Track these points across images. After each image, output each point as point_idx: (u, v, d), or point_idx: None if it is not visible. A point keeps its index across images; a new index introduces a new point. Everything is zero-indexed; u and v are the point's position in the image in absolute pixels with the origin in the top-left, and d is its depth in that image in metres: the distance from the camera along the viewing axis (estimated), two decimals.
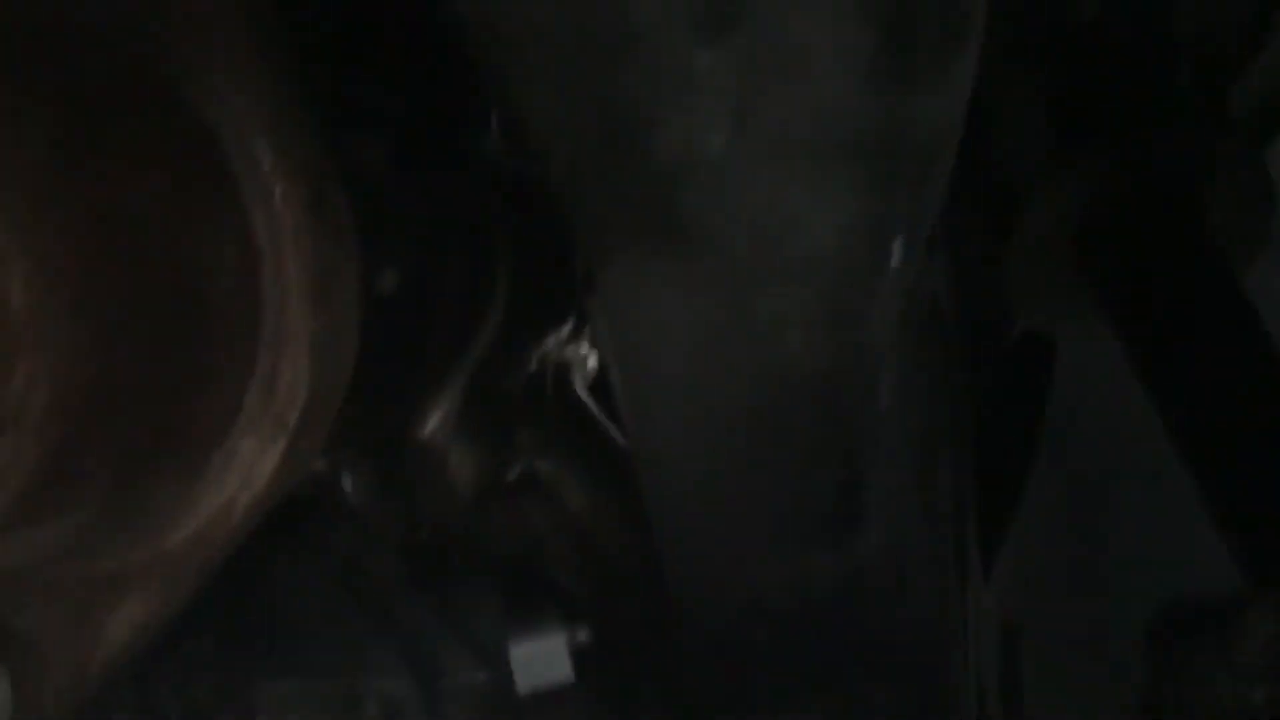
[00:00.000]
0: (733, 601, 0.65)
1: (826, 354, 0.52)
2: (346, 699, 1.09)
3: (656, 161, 0.43)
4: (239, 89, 0.46)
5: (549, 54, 0.38)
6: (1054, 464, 0.91)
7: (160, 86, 0.45)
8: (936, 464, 0.65)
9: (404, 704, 1.10)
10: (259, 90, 0.46)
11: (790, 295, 0.49)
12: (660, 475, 0.61)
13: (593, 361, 1.07)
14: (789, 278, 0.48)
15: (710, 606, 0.67)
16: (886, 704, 0.67)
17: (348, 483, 0.77)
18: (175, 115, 0.45)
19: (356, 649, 1.07)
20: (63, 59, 0.42)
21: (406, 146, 0.69)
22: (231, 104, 0.46)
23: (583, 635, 1.09)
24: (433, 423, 0.77)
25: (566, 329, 0.91)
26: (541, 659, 1.05)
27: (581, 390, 0.99)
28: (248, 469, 0.47)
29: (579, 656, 1.06)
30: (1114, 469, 1.14)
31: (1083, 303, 0.70)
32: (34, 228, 0.34)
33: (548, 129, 0.42)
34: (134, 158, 0.41)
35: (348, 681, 1.08)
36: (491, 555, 1.08)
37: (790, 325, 0.50)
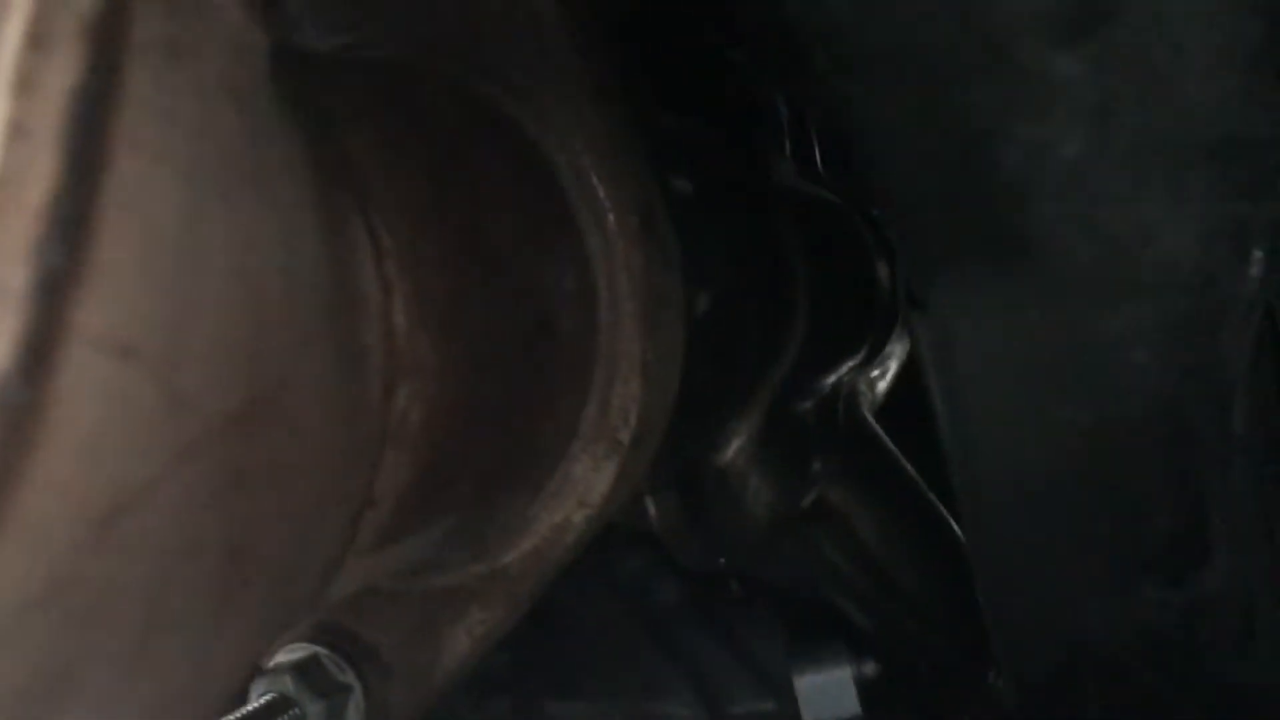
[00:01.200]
0: (1060, 644, 0.61)
1: (1175, 373, 0.49)
2: None
3: (1002, 176, 0.41)
4: (575, 125, 0.47)
5: (898, 71, 0.37)
6: None
7: (506, 126, 0.47)
8: None
9: None
10: (592, 125, 0.48)
11: (1138, 312, 0.47)
12: (984, 504, 0.58)
13: (882, 386, 1.05)
14: (1138, 291, 0.46)
15: (1035, 650, 0.63)
16: None
17: (651, 508, 0.78)
18: (520, 152, 0.47)
19: (644, 674, 1.09)
20: (425, 102, 0.45)
21: (711, 177, 0.70)
22: (568, 140, 0.48)
23: (870, 669, 1.06)
24: (734, 449, 0.77)
25: (861, 355, 0.90)
26: (828, 691, 1.04)
27: (871, 418, 0.98)
28: (583, 488, 0.49)
29: (866, 690, 1.03)
30: None
31: None
32: (413, 255, 0.36)
33: (888, 147, 0.42)
34: (487, 192, 0.44)
35: (635, 706, 1.10)
36: (777, 585, 1.07)
37: (1137, 343, 0.47)
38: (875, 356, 0.91)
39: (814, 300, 0.76)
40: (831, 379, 0.86)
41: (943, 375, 0.53)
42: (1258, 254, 0.44)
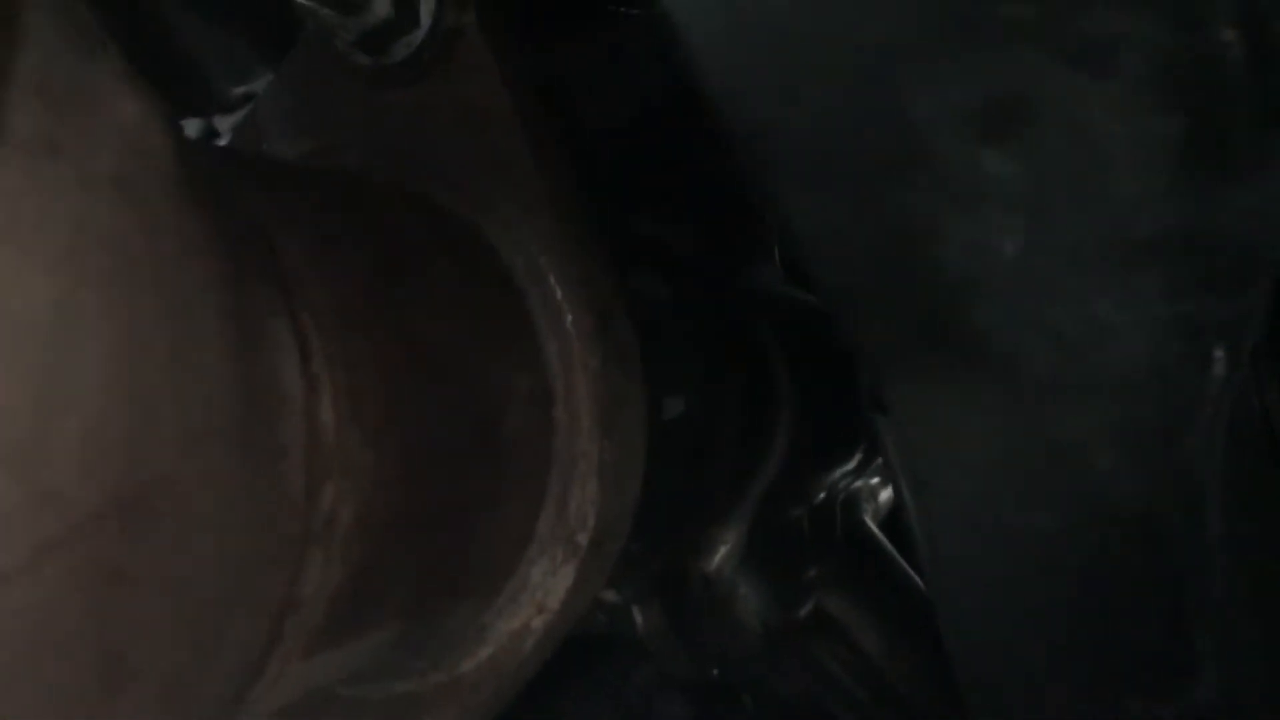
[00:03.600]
0: None
1: (1141, 478, 0.48)
2: None
3: (944, 274, 0.41)
4: (532, 229, 0.48)
5: (825, 167, 0.37)
6: None
7: (462, 231, 0.48)
8: (1277, 598, 0.58)
9: None
10: (549, 229, 0.48)
11: (1098, 414, 0.46)
12: (958, 612, 0.57)
13: (885, 495, 1.04)
14: (1096, 394, 0.45)
15: None
16: None
17: (637, 617, 0.77)
18: (475, 256, 0.47)
19: None
20: (378, 208, 0.46)
21: (689, 281, 0.71)
22: (525, 243, 0.48)
23: None
24: (719, 556, 0.76)
25: (854, 461, 0.89)
26: None
27: (872, 524, 0.96)
28: (541, 593, 0.48)
29: None
30: None
31: None
32: (345, 355, 0.36)
33: (828, 246, 0.42)
34: (437, 292, 0.44)
35: None
36: (783, 699, 1.04)
37: (1098, 447, 0.47)
38: (870, 463, 0.90)
39: (799, 406, 0.76)
40: (824, 485, 0.85)
41: (908, 478, 0.52)
42: (1218, 352, 0.43)
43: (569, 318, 0.48)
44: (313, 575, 0.35)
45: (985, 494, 0.50)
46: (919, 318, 0.44)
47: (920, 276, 0.41)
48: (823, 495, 0.86)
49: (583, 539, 0.48)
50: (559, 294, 0.48)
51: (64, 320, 0.22)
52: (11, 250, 0.21)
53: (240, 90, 0.70)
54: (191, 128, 0.75)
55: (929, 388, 0.47)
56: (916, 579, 0.95)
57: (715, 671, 0.84)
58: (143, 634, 0.25)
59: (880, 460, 0.94)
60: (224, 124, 0.74)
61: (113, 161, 0.25)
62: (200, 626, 0.28)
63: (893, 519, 0.99)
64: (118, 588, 0.24)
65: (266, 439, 0.31)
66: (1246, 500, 0.51)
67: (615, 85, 0.73)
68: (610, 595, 0.77)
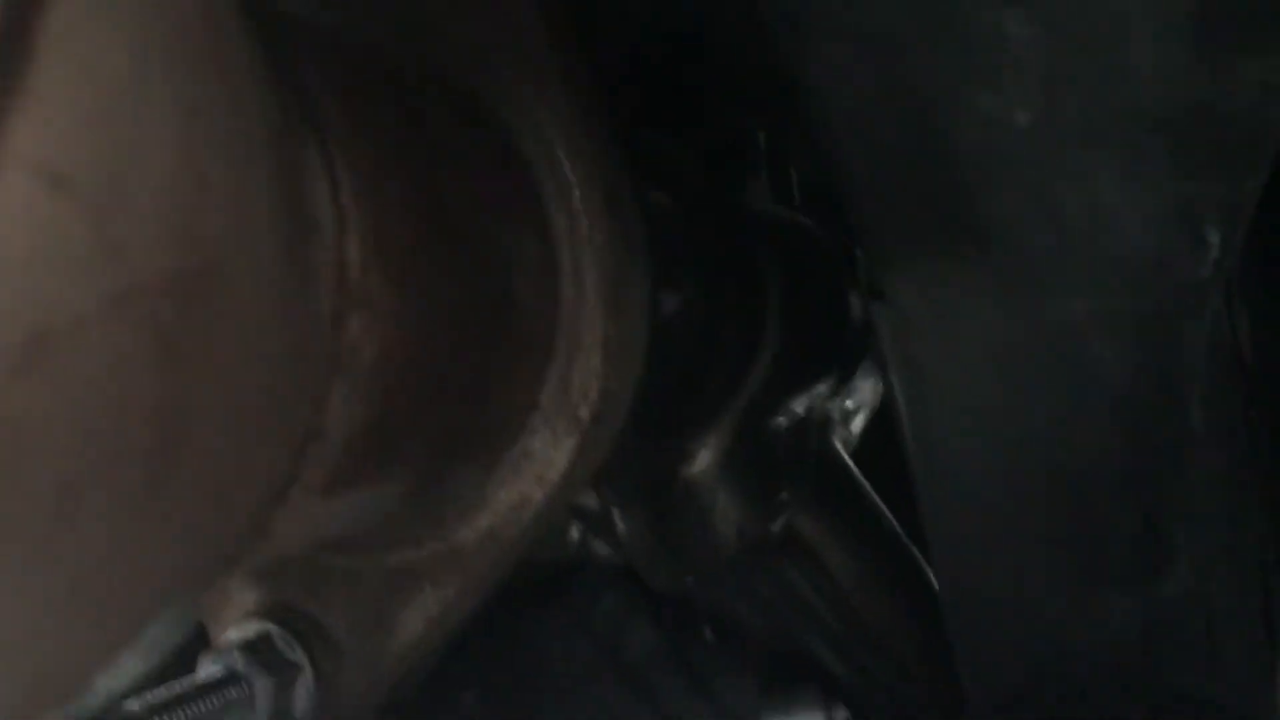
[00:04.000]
0: (1024, 657, 0.61)
1: (1134, 365, 0.49)
2: None
3: (959, 148, 0.42)
4: (542, 104, 0.48)
5: (854, 26, 0.38)
6: None
7: (473, 100, 0.48)
8: (1246, 504, 0.60)
9: None
10: (559, 106, 0.49)
11: (1096, 299, 0.47)
12: (944, 504, 0.58)
13: (856, 425, 1.06)
14: (1095, 279, 0.46)
15: (999, 664, 0.63)
16: None
17: (618, 522, 0.78)
18: (487, 125, 0.48)
19: (614, 716, 1.07)
20: (395, 72, 0.46)
21: (688, 192, 0.71)
22: (535, 117, 0.48)
23: (841, 715, 1.05)
24: (702, 462, 0.77)
25: (830, 383, 0.90)
26: None
27: (843, 451, 0.98)
28: (541, 465, 0.49)
29: None
30: None
31: None
32: (371, 197, 0.37)
33: (847, 123, 0.42)
34: (451, 158, 0.44)
35: None
36: (750, 630, 1.06)
37: (1095, 332, 0.48)
38: (845, 385, 0.91)
39: (786, 321, 0.77)
40: (802, 403, 0.86)
41: (903, 368, 0.53)
42: (1213, 237, 0.44)
43: (577, 194, 0.48)
44: (336, 406, 0.36)
45: (979, 381, 0.51)
46: (931, 202, 0.45)
47: (935, 150, 0.42)
48: (799, 414, 0.88)
49: (585, 413, 0.48)
50: (567, 170, 0.48)
51: (134, 82, 0.23)
52: (85, 4, 0.21)
53: None
54: None
55: (932, 274, 0.48)
56: (884, 508, 0.97)
57: (690, 579, 0.85)
58: (193, 411, 0.26)
59: (852, 384, 0.96)
60: None
61: None
62: (240, 423, 0.29)
63: (861, 450, 1.01)
64: (174, 358, 0.24)
65: (301, 257, 0.32)
66: (1221, 401, 0.53)
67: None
68: (590, 501, 0.78)
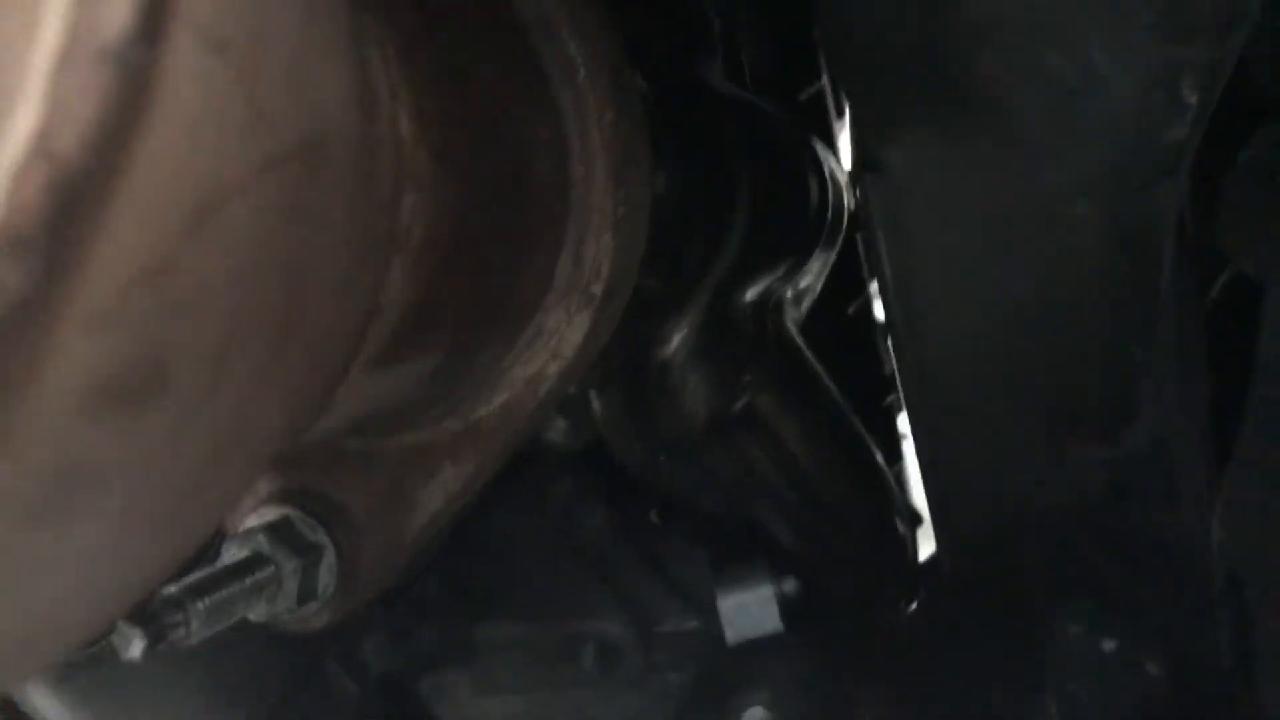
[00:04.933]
0: (996, 507, 0.65)
1: (1114, 227, 0.52)
2: (565, 643, 1.12)
3: (955, 11, 0.44)
4: None
5: None
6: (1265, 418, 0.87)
7: None
8: (1198, 360, 0.64)
9: (620, 649, 1.12)
10: None
11: (1082, 161, 0.49)
12: (925, 368, 0.61)
13: (805, 304, 1.08)
14: (1083, 141, 0.49)
15: (971, 513, 0.67)
16: (1155, 609, 0.66)
17: (595, 403, 0.80)
18: (494, 8, 0.48)
19: (574, 596, 1.10)
20: None
21: (662, 74, 0.72)
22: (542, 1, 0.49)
23: (790, 587, 1.09)
24: (675, 343, 0.79)
25: (788, 265, 0.92)
26: (750, 609, 1.06)
27: (794, 330, 1.00)
28: (556, 340, 0.50)
29: (788, 607, 1.06)
30: None
31: None
32: (411, 70, 0.37)
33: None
34: (467, 32, 0.44)
35: (566, 627, 1.11)
36: (697, 506, 1.09)
37: (1081, 194, 0.50)
38: (801, 268, 0.93)
39: (753, 203, 0.78)
40: (763, 285, 0.88)
41: (892, 236, 0.55)
42: (1191, 98, 0.47)
43: (582, 72, 0.49)
44: (392, 283, 0.37)
45: (967, 247, 0.54)
46: (928, 70, 0.46)
47: (931, 19, 0.44)
48: (760, 296, 0.90)
49: (597, 289, 0.50)
50: (571, 48, 0.49)
51: None
52: None
53: None
54: None
55: (927, 144, 0.50)
56: (832, 386, 1.00)
57: (663, 458, 0.88)
58: (309, 277, 0.27)
59: (806, 266, 0.98)
60: None
61: None
62: (337, 292, 0.30)
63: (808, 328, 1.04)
64: (301, 223, 0.25)
65: (370, 132, 0.32)
66: (1182, 265, 0.56)
67: None
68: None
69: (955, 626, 0.72)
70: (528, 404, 0.51)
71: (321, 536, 0.53)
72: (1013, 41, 0.45)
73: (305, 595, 0.52)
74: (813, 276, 1.06)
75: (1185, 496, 0.64)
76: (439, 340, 0.44)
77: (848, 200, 0.95)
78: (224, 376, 0.24)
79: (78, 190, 0.18)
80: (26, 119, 0.18)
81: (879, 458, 1.00)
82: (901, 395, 0.64)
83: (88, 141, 0.18)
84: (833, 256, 0.99)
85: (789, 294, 1.02)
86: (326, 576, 0.53)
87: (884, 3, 0.45)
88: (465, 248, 0.42)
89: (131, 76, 0.19)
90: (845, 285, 1.12)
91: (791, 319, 1.02)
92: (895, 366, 0.63)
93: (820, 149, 0.92)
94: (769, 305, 0.94)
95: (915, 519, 1.04)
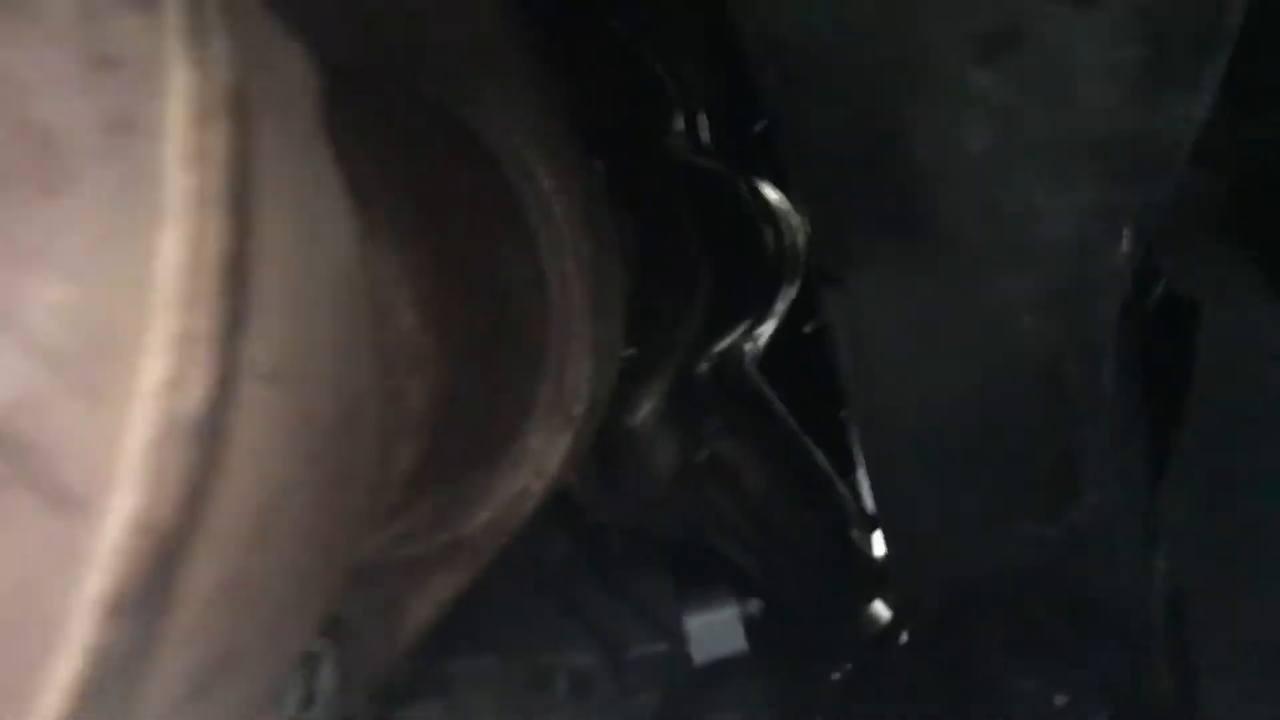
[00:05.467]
0: (955, 573, 0.69)
1: (1056, 335, 0.56)
2: (538, 674, 1.14)
3: (913, 167, 0.47)
4: (517, 122, 0.51)
5: (828, 71, 0.42)
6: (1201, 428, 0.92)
7: (454, 124, 0.50)
8: (1136, 432, 0.68)
9: (592, 677, 1.14)
10: (533, 118, 0.51)
11: (1025, 279, 0.53)
12: (883, 454, 0.65)
13: (762, 340, 1.11)
14: (1025, 264, 0.52)
15: (929, 586, 0.71)
16: (1101, 662, 0.70)
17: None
18: (470, 149, 0.50)
19: (543, 628, 1.13)
20: (380, 105, 0.48)
21: (617, 157, 0.74)
22: (513, 136, 0.51)
23: (754, 607, 1.13)
24: (643, 411, 0.82)
25: (750, 320, 0.95)
26: (716, 630, 1.09)
27: (754, 371, 1.03)
28: (539, 459, 0.53)
29: (752, 627, 1.09)
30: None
31: (1233, 271, 0.72)
32: (410, 246, 0.40)
33: (818, 146, 0.47)
34: (441, 187, 0.47)
35: (538, 658, 1.14)
36: (658, 537, 1.12)
37: (1022, 308, 0.54)
38: (765, 318, 0.97)
39: (713, 269, 0.82)
40: (729, 342, 0.92)
41: (849, 340, 0.59)
42: (1126, 232, 0.51)
43: (557, 208, 0.52)
44: (396, 460, 0.39)
45: (918, 351, 0.57)
46: (884, 205, 0.50)
47: (892, 169, 0.47)
48: (722, 354, 0.93)
49: (577, 410, 0.53)
50: (546, 185, 0.51)
51: (307, 264, 0.26)
52: (272, 208, 0.24)
53: None
54: None
55: (882, 263, 0.53)
56: (791, 421, 1.04)
57: (629, 518, 0.91)
58: (343, 509, 0.30)
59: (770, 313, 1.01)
60: None
61: (303, 108, 0.28)
62: (361, 507, 0.32)
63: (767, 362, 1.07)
64: (336, 487, 0.28)
65: (386, 363, 0.35)
66: (1126, 362, 0.60)
67: None
68: None
69: (913, 682, 0.76)
70: (514, 518, 0.54)
71: (321, 643, 0.55)
72: (964, 189, 0.48)
73: (306, 701, 0.55)
74: (775, 320, 1.10)
75: (1125, 559, 0.69)
76: (433, 479, 0.46)
77: (800, 239, 0.97)
78: (285, 635, 0.27)
79: (172, 552, 0.21)
80: (125, 501, 0.21)
81: (834, 477, 1.04)
82: (863, 469, 0.67)
83: (180, 507, 0.21)
84: (794, 292, 1.02)
85: (746, 340, 1.05)
86: (326, 682, 0.55)
87: (849, 154, 0.48)
88: (460, 397, 0.45)
89: (212, 441, 0.22)
90: (801, 306, 1.14)
91: (750, 358, 1.05)
92: (858, 442, 0.66)
93: (773, 194, 0.95)
94: (731, 357, 0.97)
95: (870, 524, 1.07)
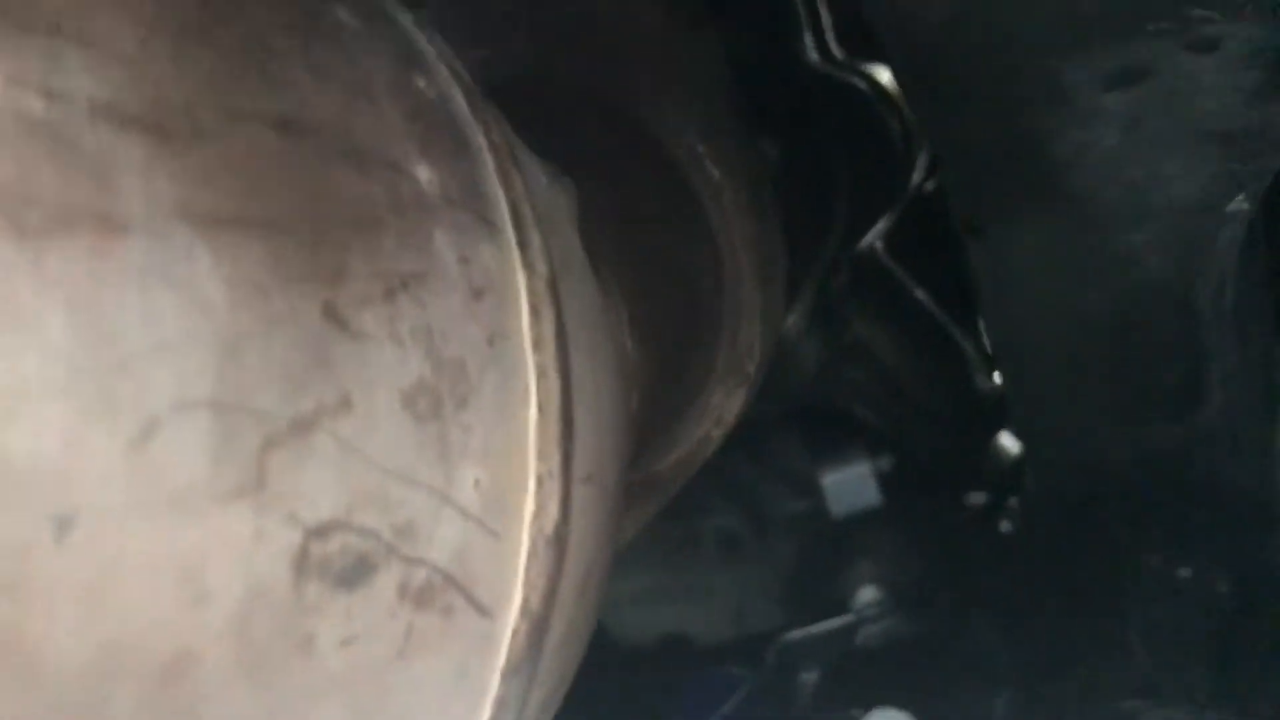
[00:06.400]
0: (1084, 468, 0.76)
1: (1180, 274, 0.61)
2: (687, 537, 1.24)
3: (1056, 157, 0.53)
4: (689, 118, 0.57)
5: (981, 102, 0.48)
6: None
7: (634, 126, 0.57)
8: (1261, 330, 0.74)
9: (738, 536, 1.24)
10: (702, 114, 0.58)
11: (1152, 230, 0.59)
12: (1023, 364, 0.72)
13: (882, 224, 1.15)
14: (1153, 217, 0.58)
15: (1063, 473, 0.78)
16: (1223, 549, 0.77)
17: None
18: (649, 153, 0.57)
19: (688, 494, 1.22)
20: (567, 116, 0.55)
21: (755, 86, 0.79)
22: (684, 130, 0.58)
23: (886, 463, 1.20)
24: (791, 320, 0.89)
25: (883, 221, 1.00)
26: (851, 485, 1.17)
27: (882, 249, 1.08)
28: (720, 411, 0.61)
29: (885, 481, 1.17)
30: None
31: None
32: (623, 269, 0.47)
33: (967, 150, 0.53)
34: (635, 205, 0.54)
35: (686, 522, 1.24)
36: (794, 401, 1.19)
37: (1149, 252, 0.60)
38: (897, 208, 1.01)
39: (850, 179, 0.87)
40: (866, 244, 0.97)
41: (990, 279, 0.65)
42: (1249, 187, 0.56)
43: (726, 195, 0.58)
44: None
45: (1054, 287, 0.63)
46: (1025, 178, 0.55)
47: (1031, 160, 0.53)
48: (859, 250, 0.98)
49: (751, 368, 0.61)
50: (716, 176, 0.58)
51: (593, 375, 0.34)
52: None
53: None
54: None
55: (1022, 220, 0.59)
56: (921, 296, 1.09)
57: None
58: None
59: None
60: None
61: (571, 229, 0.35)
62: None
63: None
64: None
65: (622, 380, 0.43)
66: (1250, 281, 0.66)
67: None
68: None
69: (1048, 553, 0.84)
70: (697, 460, 0.62)
71: None
72: (1097, 168, 0.54)
73: None
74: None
75: (1248, 450, 0.75)
76: (639, 442, 0.55)
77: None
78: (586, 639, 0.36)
79: (541, 630, 0.30)
80: (514, 604, 0.30)
81: (956, 335, 1.09)
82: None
83: (545, 597, 0.30)
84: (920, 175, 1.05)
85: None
86: None
87: (998, 152, 0.54)
88: (659, 385, 0.53)
89: (560, 546, 0.31)
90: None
91: (877, 234, 1.10)
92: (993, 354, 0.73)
93: (885, 75, 0.97)
94: (865, 250, 1.02)
95: (990, 366, 1.12)
